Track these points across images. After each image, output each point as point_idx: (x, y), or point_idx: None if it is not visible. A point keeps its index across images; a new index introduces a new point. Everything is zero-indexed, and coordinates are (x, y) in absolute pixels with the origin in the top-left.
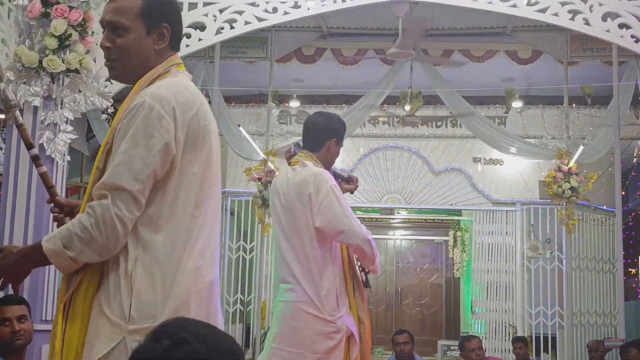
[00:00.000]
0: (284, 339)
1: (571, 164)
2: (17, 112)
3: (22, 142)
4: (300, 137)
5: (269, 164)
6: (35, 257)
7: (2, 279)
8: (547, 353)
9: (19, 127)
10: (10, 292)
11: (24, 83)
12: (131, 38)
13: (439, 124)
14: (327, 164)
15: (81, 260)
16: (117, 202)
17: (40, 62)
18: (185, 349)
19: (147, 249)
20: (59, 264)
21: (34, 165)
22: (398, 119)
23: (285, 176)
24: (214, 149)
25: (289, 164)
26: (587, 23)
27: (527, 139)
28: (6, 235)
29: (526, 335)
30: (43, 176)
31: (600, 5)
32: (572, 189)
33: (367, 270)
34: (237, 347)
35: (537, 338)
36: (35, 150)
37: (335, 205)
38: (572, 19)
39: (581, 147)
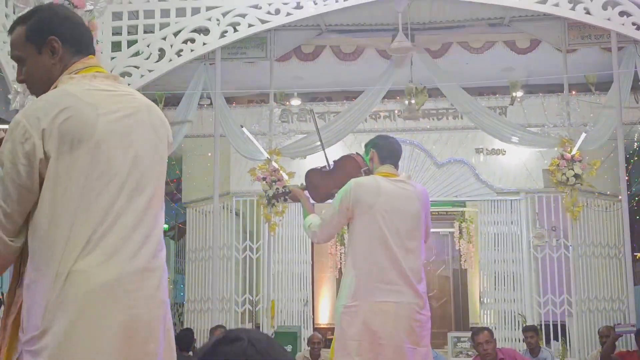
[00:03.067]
0: (407, 339)
1: (574, 151)
2: None
3: None
4: (303, 136)
5: (273, 163)
6: None
7: None
8: (557, 341)
9: None
10: None
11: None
12: (29, 64)
13: (440, 116)
14: None
15: None
16: None
17: None
18: (236, 345)
19: (33, 258)
20: None
21: None
22: (399, 113)
23: (390, 185)
24: (110, 142)
25: (366, 173)
26: (587, 12)
27: (528, 128)
28: None
29: (535, 324)
30: None
31: None
32: (576, 176)
33: None
34: None
35: (547, 326)
36: None
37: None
38: (573, 8)
39: (583, 134)
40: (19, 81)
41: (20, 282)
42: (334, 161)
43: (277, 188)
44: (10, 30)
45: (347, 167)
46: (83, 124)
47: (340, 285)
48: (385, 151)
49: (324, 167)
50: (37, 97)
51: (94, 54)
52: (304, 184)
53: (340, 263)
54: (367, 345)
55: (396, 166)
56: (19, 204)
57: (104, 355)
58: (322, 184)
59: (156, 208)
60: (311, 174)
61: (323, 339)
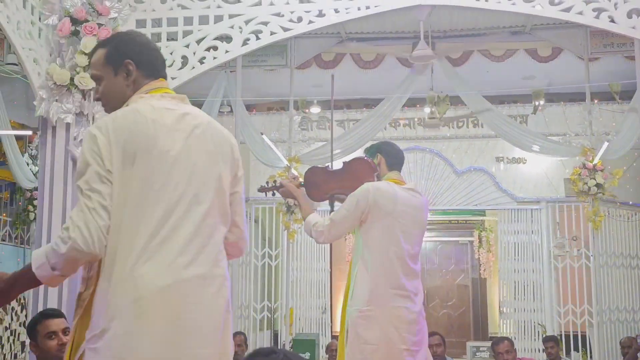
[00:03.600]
0: (416, 341)
1: (596, 160)
2: None
3: (55, 157)
4: (323, 144)
5: (292, 170)
6: None
7: None
8: (578, 351)
9: None
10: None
11: (56, 101)
12: (105, 84)
13: (460, 124)
14: None
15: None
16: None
17: (72, 79)
18: (272, 357)
19: (102, 261)
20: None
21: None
22: (419, 121)
23: (404, 193)
24: (169, 156)
25: (378, 178)
26: (612, 20)
27: (550, 137)
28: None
29: (556, 334)
30: None
31: (625, 2)
32: (598, 185)
33: None
34: None
35: (567, 337)
36: None
37: None
38: (597, 17)
39: (605, 143)
40: (95, 99)
41: (86, 286)
42: (344, 162)
43: (267, 181)
44: (92, 52)
45: (358, 170)
46: (144, 139)
47: (352, 289)
48: (393, 157)
49: (328, 165)
50: (108, 114)
51: (165, 78)
52: (302, 181)
53: None
54: (385, 350)
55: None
56: (101, 196)
57: (156, 358)
58: (324, 183)
59: (214, 219)
60: (313, 171)
61: None
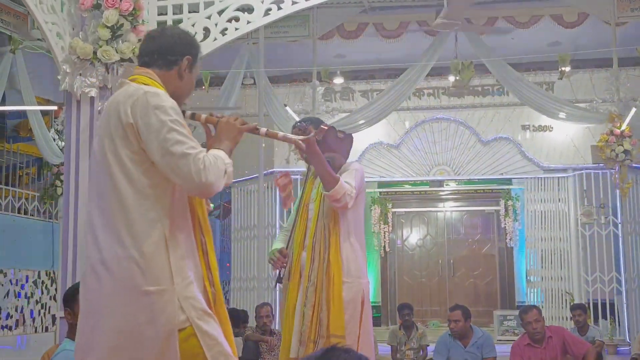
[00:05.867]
0: None
1: (624, 126)
2: None
3: (80, 131)
4: (346, 115)
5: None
6: None
7: None
8: (606, 319)
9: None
10: None
11: (80, 74)
12: None
13: (485, 92)
14: None
15: None
16: None
17: (95, 53)
18: (351, 353)
19: None
20: None
21: None
22: (443, 90)
23: None
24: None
25: None
26: None
27: (576, 104)
28: (70, 222)
29: (584, 302)
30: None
31: None
32: (626, 152)
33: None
34: None
35: (595, 304)
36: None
37: None
38: None
39: (633, 109)
40: None
41: None
42: (344, 133)
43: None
44: None
45: (350, 146)
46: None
47: (355, 262)
48: None
49: (339, 131)
50: None
51: (144, 65)
52: (317, 137)
53: (385, 242)
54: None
55: None
56: None
57: None
58: (330, 146)
59: (104, 204)
60: (331, 133)
61: None
